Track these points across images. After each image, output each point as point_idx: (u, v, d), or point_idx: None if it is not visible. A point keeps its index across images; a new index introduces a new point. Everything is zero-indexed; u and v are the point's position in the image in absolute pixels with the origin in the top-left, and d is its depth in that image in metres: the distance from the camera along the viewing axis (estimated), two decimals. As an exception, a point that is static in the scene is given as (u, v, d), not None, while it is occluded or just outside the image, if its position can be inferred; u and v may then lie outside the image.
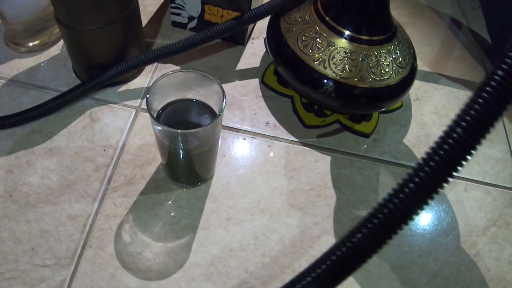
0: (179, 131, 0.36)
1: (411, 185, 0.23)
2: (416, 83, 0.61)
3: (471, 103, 0.22)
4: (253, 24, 0.62)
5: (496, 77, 0.22)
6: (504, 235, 0.49)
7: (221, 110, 0.36)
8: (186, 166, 0.43)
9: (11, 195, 0.44)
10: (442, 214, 0.49)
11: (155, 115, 0.39)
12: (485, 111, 0.22)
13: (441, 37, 0.71)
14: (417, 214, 0.24)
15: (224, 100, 0.37)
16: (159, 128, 0.37)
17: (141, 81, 0.55)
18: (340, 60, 0.45)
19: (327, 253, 0.25)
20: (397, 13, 0.73)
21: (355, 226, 0.25)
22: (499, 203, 0.51)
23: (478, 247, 0.47)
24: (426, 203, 0.23)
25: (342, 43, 0.46)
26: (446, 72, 0.65)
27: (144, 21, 0.63)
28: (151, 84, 0.37)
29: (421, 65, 0.65)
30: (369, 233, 0.24)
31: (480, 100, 0.22)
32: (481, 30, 0.72)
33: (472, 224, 0.49)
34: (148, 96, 0.36)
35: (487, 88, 0.22)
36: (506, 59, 0.22)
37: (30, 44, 0.56)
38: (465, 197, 0.51)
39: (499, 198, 0.52)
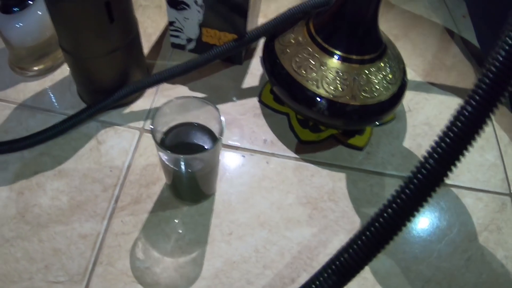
0: (182, 156, 0.38)
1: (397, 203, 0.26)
2: (408, 95, 0.63)
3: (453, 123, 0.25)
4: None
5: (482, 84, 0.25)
6: (496, 239, 0.51)
7: (221, 134, 0.39)
8: (190, 185, 0.46)
9: (23, 216, 0.46)
10: (435, 221, 0.51)
11: (159, 139, 0.42)
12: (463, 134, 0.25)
13: (433, 47, 0.73)
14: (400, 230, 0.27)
15: (223, 124, 0.39)
16: (163, 153, 0.39)
17: (144, 103, 0.57)
18: (332, 79, 0.48)
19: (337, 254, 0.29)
20: (389, 25, 0.75)
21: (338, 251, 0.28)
22: (491, 208, 0.53)
23: (471, 252, 0.49)
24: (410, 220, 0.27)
25: (334, 63, 0.48)
26: (438, 82, 0.67)
27: (145, 43, 0.64)
28: (154, 112, 0.39)
29: (413, 76, 0.67)
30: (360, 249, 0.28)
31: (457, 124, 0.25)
32: (472, 38, 0.74)
33: (464, 230, 0.51)
34: (152, 126, 0.38)
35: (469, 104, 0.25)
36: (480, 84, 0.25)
37: (35, 68, 0.58)
38: (457, 204, 0.53)
39: (490, 204, 0.54)
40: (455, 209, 0.52)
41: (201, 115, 0.43)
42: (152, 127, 0.38)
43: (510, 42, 0.24)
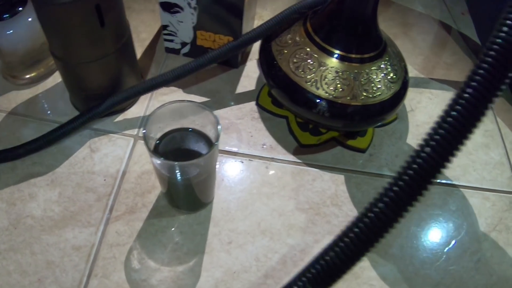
0: (176, 163, 0.37)
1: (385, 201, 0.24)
2: (410, 94, 0.61)
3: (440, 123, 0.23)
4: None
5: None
6: (505, 239, 0.50)
7: (217, 140, 0.37)
8: (186, 193, 0.44)
9: (15, 228, 0.45)
10: (442, 224, 0.50)
11: (153, 146, 0.40)
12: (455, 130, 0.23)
13: (433, 45, 0.72)
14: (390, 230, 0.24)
15: (219, 129, 0.38)
16: (157, 160, 0.37)
17: (137, 110, 0.56)
18: (331, 80, 0.46)
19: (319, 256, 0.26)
20: (388, 24, 0.74)
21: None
22: (498, 207, 0.52)
23: (480, 254, 0.48)
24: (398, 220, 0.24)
25: (333, 63, 0.47)
26: (439, 81, 0.65)
27: (138, 48, 0.64)
28: (147, 117, 0.38)
29: (414, 75, 0.66)
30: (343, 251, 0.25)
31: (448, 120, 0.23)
32: (472, 35, 0.73)
33: (472, 231, 0.50)
34: (144, 131, 0.37)
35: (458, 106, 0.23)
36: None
37: (27, 76, 0.57)
38: (463, 205, 0.52)
39: (498, 203, 0.53)
40: (462, 210, 0.51)
41: (197, 120, 0.41)
42: (145, 131, 0.37)
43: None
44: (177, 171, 0.39)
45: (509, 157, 0.58)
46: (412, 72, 0.66)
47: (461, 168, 0.55)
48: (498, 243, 0.49)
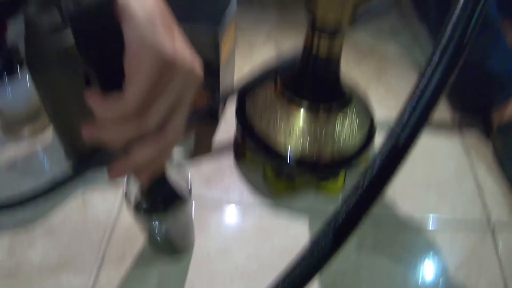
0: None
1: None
2: (382, 138, 0.64)
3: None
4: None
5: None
6: (478, 272, 0.51)
7: (187, 197, 0.42)
8: (167, 242, 0.48)
9: (15, 275, 0.48)
10: (408, 262, 0.52)
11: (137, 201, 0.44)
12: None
13: (407, 88, 0.73)
14: None
15: (190, 186, 0.42)
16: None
17: (127, 161, 0.60)
18: (300, 132, 0.50)
19: None
20: (362, 70, 0.77)
21: None
22: (470, 241, 0.54)
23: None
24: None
25: (300, 116, 0.51)
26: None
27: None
28: (128, 177, 0.42)
29: (387, 118, 0.68)
30: None
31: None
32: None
33: (443, 267, 0.52)
34: (125, 192, 0.41)
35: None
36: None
37: (26, 131, 0.61)
38: (433, 241, 0.54)
39: (470, 236, 0.55)
40: (432, 246, 0.53)
41: (173, 176, 0.45)
42: (126, 191, 0.41)
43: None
44: (155, 223, 0.43)
45: (481, 189, 0.60)
46: (385, 116, 0.69)
47: (430, 203, 0.58)
48: (470, 276, 0.51)
